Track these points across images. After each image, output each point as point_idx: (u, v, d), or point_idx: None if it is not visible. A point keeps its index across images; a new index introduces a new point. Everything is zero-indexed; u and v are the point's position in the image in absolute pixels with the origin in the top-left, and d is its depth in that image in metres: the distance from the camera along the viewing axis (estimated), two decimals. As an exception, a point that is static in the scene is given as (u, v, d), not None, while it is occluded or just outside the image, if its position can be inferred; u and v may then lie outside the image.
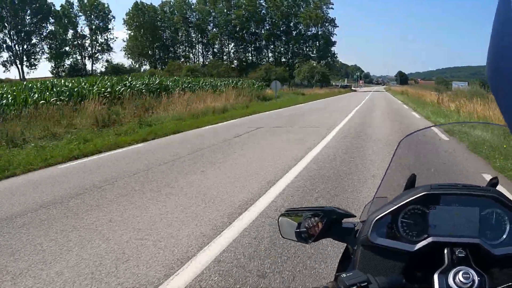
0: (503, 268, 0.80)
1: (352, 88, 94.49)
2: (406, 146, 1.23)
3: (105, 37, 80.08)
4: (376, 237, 0.86)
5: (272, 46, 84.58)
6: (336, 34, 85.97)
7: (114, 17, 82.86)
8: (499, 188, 0.91)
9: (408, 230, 0.86)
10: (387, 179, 1.14)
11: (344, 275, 0.73)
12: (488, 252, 0.81)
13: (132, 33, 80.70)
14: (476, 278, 0.74)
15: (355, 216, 1.02)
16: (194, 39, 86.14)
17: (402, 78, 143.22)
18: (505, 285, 0.74)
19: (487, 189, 0.87)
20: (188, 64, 67.50)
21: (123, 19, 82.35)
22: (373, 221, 0.87)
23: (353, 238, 0.95)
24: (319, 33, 79.30)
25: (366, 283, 0.72)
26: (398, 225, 0.87)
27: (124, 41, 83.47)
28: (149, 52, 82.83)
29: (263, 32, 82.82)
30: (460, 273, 0.75)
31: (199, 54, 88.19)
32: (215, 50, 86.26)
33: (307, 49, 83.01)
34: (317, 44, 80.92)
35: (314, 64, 66.59)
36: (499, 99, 0.45)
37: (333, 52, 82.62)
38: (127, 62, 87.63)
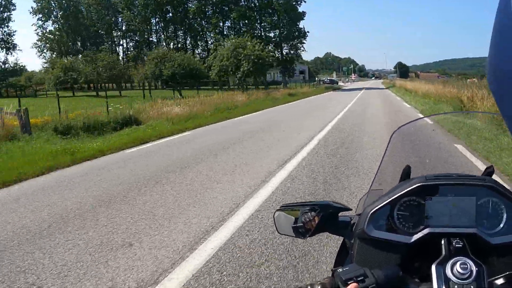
0: (500, 257, 0.81)
1: (341, 83, 76.20)
2: (400, 138, 1.23)
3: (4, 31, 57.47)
4: (372, 230, 0.86)
5: (206, 24, 58.43)
6: (305, 1, 59.95)
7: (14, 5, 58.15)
8: (495, 177, 0.91)
9: (405, 222, 0.86)
10: (381, 171, 1.14)
11: (340, 269, 0.75)
12: (486, 242, 0.81)
13: (45, 25, 60.98)
14: (474, 268, 0.74)
15: (351, 210, 1.04)
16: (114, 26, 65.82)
17: (402, 70, 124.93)
18: (503, 274, 0.75)
19: (483, 178, 0.87)
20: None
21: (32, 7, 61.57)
22: (369, 213, 0.87)
23: (349, 232, 0.95)
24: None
25: (362, 277, 0.73)
26: (394, 217, 0.87)
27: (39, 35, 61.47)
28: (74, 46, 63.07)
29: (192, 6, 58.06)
30: (458, 263, 0.75)
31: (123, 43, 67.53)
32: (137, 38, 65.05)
33: (262, 27, 52.62)
34: (275, 19, 50.29)
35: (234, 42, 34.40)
36: (502, 104, 0.46)
37: (302, 29, 50.19)
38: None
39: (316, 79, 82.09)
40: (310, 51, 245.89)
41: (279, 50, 49.80)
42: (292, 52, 50.00)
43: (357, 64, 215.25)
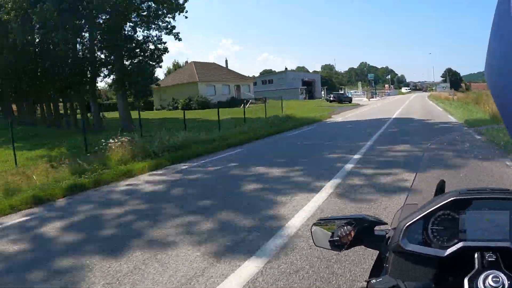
0: None
1: (365, 99, 49.79)
2: (434, 152, 1.35)
3: None
4: (407, 243, 0.87)
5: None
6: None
7: None
8: None
9: (439, 236, 0.87)
10: (416, 186, 1.16)
11: (374, 280, 0.80)
12: None
13: None
14: (506, 282, 0.74)
15: (387, 224, 1.04)
16: None
17: (452, 80, 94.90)
18: None
19: None
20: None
21: None
22: (404, 227, 0.89)
23: (384, 245, 0.97)
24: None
25: None
26: (429, 231, 0.88)
27: None
28: None
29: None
30: (490, 277, 0.75)
31: None
32: None
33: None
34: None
35: None
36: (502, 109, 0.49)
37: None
38: None
39: (327, 93, 55.86)
40: (344, 61, 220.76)
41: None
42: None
43: (396, 74, 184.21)
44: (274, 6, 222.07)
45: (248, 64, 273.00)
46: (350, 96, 51.32)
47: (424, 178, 1.18)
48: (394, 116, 19.50)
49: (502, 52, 0.45)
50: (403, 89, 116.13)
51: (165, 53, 20.69)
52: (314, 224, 1.06)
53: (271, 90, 65.58)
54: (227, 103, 46.81)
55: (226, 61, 54.20)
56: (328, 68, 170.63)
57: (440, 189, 1.01)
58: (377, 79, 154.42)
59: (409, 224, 0.88)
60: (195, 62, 50.08)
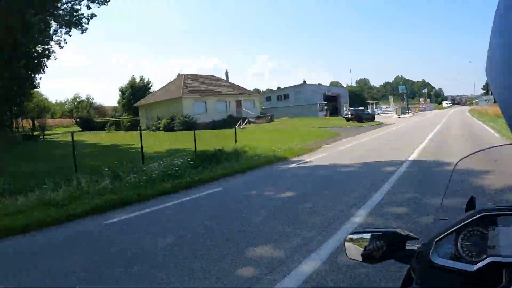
0: None
1: (393, 116, 41.18)
2: (464, 168, 1.24)
3: None
4: (436, 258, 0.89)
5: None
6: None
7: None
8: None
9: (468, 251, 0.89)
10: (447, 201, 1.16)
11: None
12: None
13: None
14: None
15: (418, 239, 1.06)
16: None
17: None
18: None
19: None
20: None
21: None
22: (434, 242, 0.91)
23: (415, 260, 0.98)
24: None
25: None
26: (458, 246, 0.90)
27: None
28: None
29: None
30: None
31: None
32: None
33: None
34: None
35: None
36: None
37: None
38: None
39: (345, 109, 47.27)
40: (379, 75, 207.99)
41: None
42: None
43: (433, 88, 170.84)
44: (304, 26, 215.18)
45: (283, 81, 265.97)
46: (372, 112, 42.31)
47: (454, 193, 1.19)
48: (413, 157, 10.92)
49: (503, 51, 0.45)
50: (444, 103, 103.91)
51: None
52: (347, 238, 1.10)
53: (287, 107, 57.47)
54: (221, 122, 39.18)
55: (227, 73, 46.52)
56: (362, 82, 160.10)
57: (471, 205, 1.03)
58: (414, 93, 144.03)
59: (439, 239, 0.91)
60: (186, 75, 42.99)
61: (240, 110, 42.73)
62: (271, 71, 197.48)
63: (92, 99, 65.81)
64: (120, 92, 56.62)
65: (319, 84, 60.02)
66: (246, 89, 47.80)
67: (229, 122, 37.69)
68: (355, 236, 1.08)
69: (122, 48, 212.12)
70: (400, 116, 48.14)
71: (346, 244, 1.09)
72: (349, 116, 36.63)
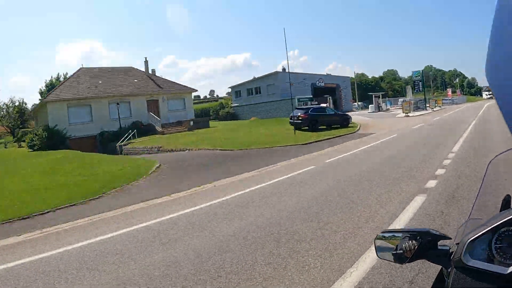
0: None
1: (400, 113, 27.25)
2: (499, 166, 1.17)
3: None
4: (469, 259, 0.85)
5: None
6: None
7: None
8: None
9: (502, 253, 0.84)
10: (480, 200, 1.11)
11: None
12: None
13: None
14: None
15: (451, 239, 1.01)
16: None
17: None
18: None
19: None
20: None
21: None
22: (467, 242, 0.86)
23: (447, 260, 0.95)
24: None
25: None
26: (492, 247, 0.85)
27: None
28: None
29: None
30: None
31: None
32: None
33: None
34: None
35: None
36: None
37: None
38: None
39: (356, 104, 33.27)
40: (408, 65, 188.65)
41: None
42: None
43: (465, 78, 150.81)
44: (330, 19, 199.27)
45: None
46: (344, 113, 27.73)
47: (489, 192, 1.13)
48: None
49: (503, 50, 0.45)
50: (484, 94, 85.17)
51: None
52: (378, 237, 1.07)
53: (261, 103, 43.64)
54: (112, 135, 25.82)
55: (146, 62, 33.36)
56: (390, 73, 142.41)
57: (506, 204, 0.98)
58: (446, 83, 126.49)
59: (472, 239, 0.86)
60: (85, 68, 30.01)
61: (152, 113, 29.09)
62: (303, 65, 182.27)
63: None
64: None
65: (304, 73, 45.03)
66: (181, 85, 34.21)
67: (127, 133, 24.49)
68: (385, 236, 1.06)
69: None
70: (409, 114, 33.22)
71: (377, 243, 1.07)
72: (298, 120, 22.11)
